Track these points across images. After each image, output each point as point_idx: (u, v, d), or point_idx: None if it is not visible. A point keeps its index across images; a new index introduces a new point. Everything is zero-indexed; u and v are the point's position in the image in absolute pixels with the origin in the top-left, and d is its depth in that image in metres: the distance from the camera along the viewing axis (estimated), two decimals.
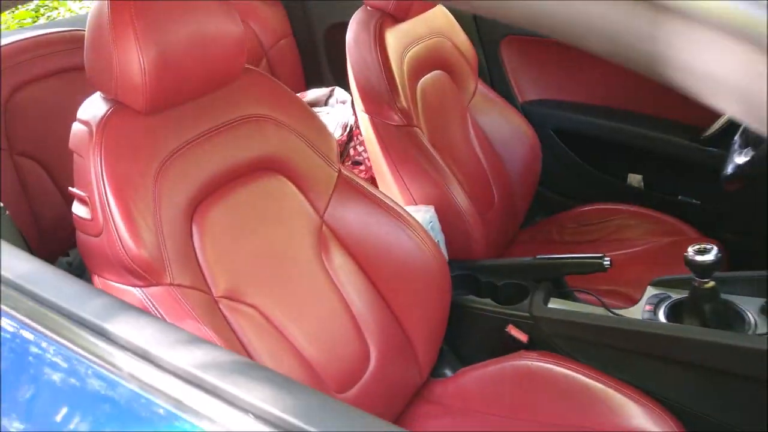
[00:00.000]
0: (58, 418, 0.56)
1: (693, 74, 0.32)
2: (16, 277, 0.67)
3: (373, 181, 1.66)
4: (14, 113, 1.42)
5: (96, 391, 0.55)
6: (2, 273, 0.65)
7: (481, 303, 1.40)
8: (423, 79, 1.64)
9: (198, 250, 1.02)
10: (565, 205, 1.93)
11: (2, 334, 0.61)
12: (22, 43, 1.47)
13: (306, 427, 0.51)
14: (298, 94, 1.96)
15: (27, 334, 0.61)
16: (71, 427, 0.54)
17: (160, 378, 0.55)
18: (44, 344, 0.60)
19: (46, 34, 1.52)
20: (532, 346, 1.33)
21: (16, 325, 0.61)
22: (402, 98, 1.52)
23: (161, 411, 0.54)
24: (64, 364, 0.57)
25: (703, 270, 1.13)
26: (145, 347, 0.57)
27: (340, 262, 1.22)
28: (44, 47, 1.50)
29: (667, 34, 0.31)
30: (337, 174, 1.25)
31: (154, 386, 0.55)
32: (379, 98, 1.50)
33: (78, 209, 0.94)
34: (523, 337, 1.32)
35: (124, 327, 0.59)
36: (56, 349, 0.58)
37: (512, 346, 1.32)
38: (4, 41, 1.45)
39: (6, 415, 0.58)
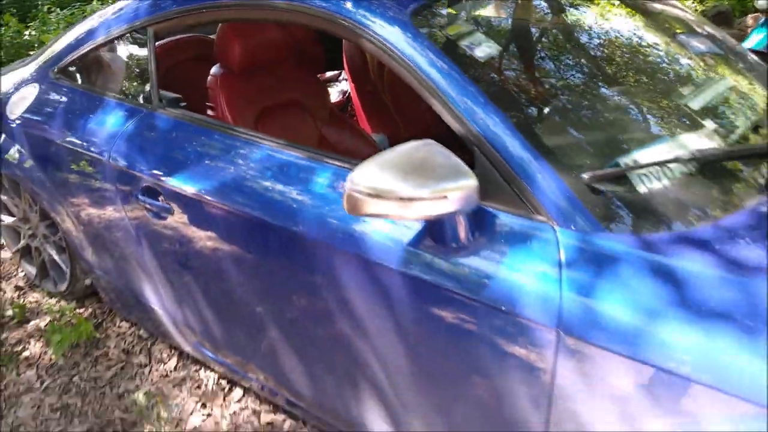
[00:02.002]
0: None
1: None
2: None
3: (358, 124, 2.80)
4: (169, 79, 2.62)
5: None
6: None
7: None
8: None
9: None
10: None
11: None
12: (172, 41, 2.67)
13: None
14: (318, 75, 3.14)
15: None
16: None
17: None
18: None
19: (183, 37, 2.71)
20: None
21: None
22: (372, 75, 2.65)
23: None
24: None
25: None
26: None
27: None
28: (183, 44, 2.69)
29: None
30: (329, 110, 2.40)
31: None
32: (359, 75, 2.64)
33: (210, 111, 2.12)
34: None
35: None
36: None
37: None
38: (163, 41, 2.65)
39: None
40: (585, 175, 1.21)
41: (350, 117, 3.01)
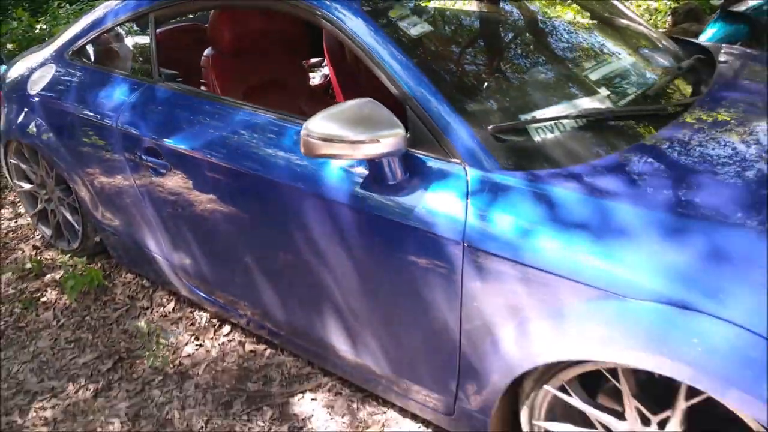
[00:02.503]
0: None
1: None
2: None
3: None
4: (169, 62, 2.92)
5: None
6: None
7: None
8: None
9: None
10: None
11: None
12: (172, 29, 2.97)
13: None
14: (303, 61, 3.44)
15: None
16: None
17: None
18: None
19: (182, 25, 3.01)
20: None
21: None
22: (348, 58, 2.95)
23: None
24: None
25: None
26: None
27: None
28: (182, 31, 2.99)
29: None
30: (310, 91, 2.70)
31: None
32: (337, 58, 2.94)
33: (203, 88, 2.42)
34: None
35: None
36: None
37: None
38: (165, 27, 2.95)
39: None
40: (490, 128, 1.51)
41: (331, 98, 3.30)
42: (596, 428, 1.46)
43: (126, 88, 2.29)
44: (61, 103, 2.52)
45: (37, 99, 2.65)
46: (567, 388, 1.43)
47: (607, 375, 1.37)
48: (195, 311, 2.51)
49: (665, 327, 1.18)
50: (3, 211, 3.65)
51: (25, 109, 2.72)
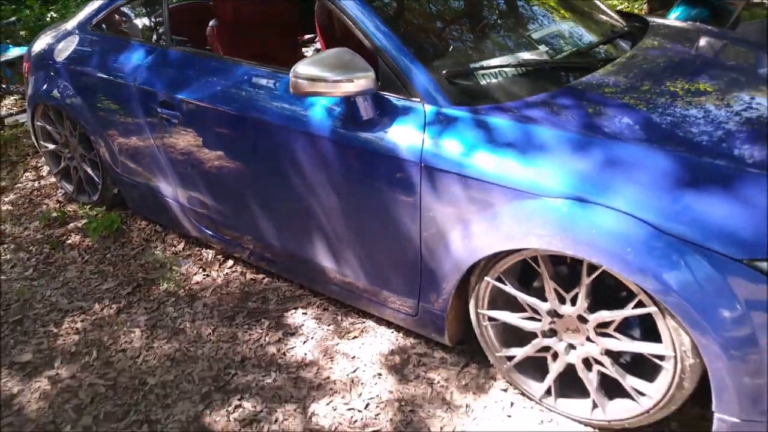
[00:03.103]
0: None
1: None
2: None
3: None
4: (179, 34, 3.23)
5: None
6: None
7: None
8: None
9: None
10: None
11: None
12: (184, 4, 3.28)
13: None
14: (298, 37, 3.76)
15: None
16: None
17: None
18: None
19: (190, 3, 3.32)
20: None
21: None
22: (337, 33, 3.27)
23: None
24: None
25: None
26: None
27: None
28: (188, 8, 3.30)
29: None
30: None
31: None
32: (327, 32, 3.25)
33: (209, 46, 2.74)
34: None
35: None
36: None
37: None
38: (175, 4, 3.26)
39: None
40: (444, 72, 1.83)
41: None
42: (526, 312, 1.79)
43: (142, 53, 2.61)
44: (84, 68, 2.84)
45: (62, 66, 2.97)
46: (503, 279, 1.76)
47: (532, 264, 1.70)
48: (202, 249, 2.84)
49: (570, 216, 1.51)
50: (27, 174, 3.97)
51: (52, 75, 3.03)
